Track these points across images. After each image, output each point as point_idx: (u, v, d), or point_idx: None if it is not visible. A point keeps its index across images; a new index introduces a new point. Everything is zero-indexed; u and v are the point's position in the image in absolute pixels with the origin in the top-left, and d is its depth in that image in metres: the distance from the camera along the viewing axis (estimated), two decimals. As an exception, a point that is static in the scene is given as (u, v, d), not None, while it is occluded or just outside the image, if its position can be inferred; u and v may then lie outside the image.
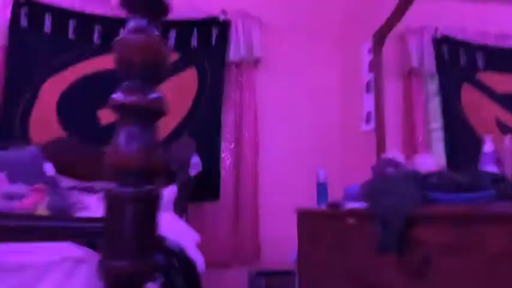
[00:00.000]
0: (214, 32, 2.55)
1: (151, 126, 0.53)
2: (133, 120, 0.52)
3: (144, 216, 0.50)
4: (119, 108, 0.52)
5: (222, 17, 2.55)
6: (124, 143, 0.50)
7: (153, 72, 0.55)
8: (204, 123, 2.45)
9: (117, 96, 0.52)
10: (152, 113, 0.53)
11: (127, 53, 0.55)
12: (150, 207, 0.51)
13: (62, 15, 2.38)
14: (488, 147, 1.28)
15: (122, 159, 0.50)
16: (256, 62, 2.60)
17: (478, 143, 1.48)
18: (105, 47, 2.39)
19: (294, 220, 1.92)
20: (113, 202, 0.50)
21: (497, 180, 1.00)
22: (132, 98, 0.52)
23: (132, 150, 0.50)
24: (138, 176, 0.51)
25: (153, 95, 0.53)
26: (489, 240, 0.72)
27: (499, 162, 1.23)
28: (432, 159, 1.55)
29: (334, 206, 1.36)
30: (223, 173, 2.42)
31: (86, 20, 2.42)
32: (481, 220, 0.75)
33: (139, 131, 0.52)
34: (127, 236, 0.48)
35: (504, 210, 0.75)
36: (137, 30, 0.56)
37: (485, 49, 2.31)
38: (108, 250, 0.48)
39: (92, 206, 1.60)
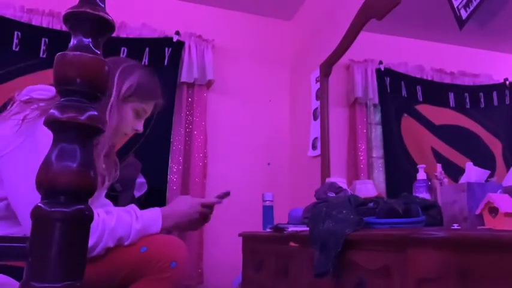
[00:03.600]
0: (167, 52, 2.54)
1: (87, 144, 0.52)
2: (68, 137, 0.51)
3: (74, 237, 0.49)
4: (53, 124, 0.51)
5: (175, 38, 2.56)
6: (56, 160, 0.49)
7: (92, 90, 0.54)
8: (152, 144, 2.41)
9: (52, 111, 0.51)
10: (88, 130, 0.52)
11: (66, 69, 0.54)
12: (80, 228, 0.50)
13: (5, 26, 2.29)
14: (421, 175, 1.35)
15: (52, 176, 0.49)
16: (209, 84, 2.61)
17: (415, 171, 1.57)
18: (51, 61, 2.31)
19: (239, 244, 1.92)
20: (40, 221, 0.48)
21: (428, 206, 1.06)
22: (67, 115, 0.51)
23: (64, 168, 0.49)
24: (70, 194, 0.49)
25: (90, 112, 0.52)
26: (417, 264, 0.75)
27: (430, 189, 1.30)
28: (372, 185, 1.62)
29: (278, 229, 1.37)
30: (169, 194, 2.38)
31: (32, 32, 2.33)
32: (410, 244, 0.79)
33: (74, 148, 0.50)
34: (53, 257, 0.46)
35: (432, 236, 0.79)
36: (78, 47, 0.55)
37: (423, 83, 2.47)
38: (31, 271, 0.46)
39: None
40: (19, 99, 1.03)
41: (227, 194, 1.38)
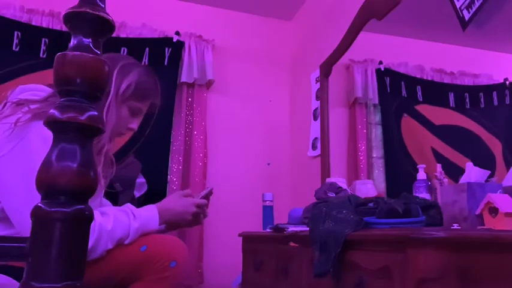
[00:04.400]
0: (167, 52, 2.54)
1: (87, 144, 0.52)
2: (68, 137, 0.51)
3: (74, 237, 0.49)
4: (53, 124, 0.51)
5: (175, 38, 2.56)
6: (56, 160, 0.49)
7: (92, 91, 0.54)
8: (152, 144, 2.41)
9: (52, 111, 0.51)
10: (88, 130, 0.52)
11: (66, 69, 0.54)
12: (80, 228, 0.50)
13: (5, 26, 2.29)
14: (421, 175, 1.35)
15: (52, 177, 0.49)
16: (209, 84, 2.62)
17: (415, 171, 1.57)
18: (51, 61, 2.30)
19: (239, 244, 1.92)
20: (39, 221, 0.48)
21: (428, 206, 1.06)
22: (67, 115, 0.51)
23: (64, 168, 0.49)
24: (70, 194, 0.49)
25: (90, 113, 0.52)
26: (417, 264, 0.75)
27: (430, 189, 1.30)
28: (372, 185, 1.62)
29: (278, 229, 1.37)
30: (169, 194, 2.38)
31: (32, 33, 2.33)
32: (410, 244, 0.79)
33: (74, 148, 0.50)
34: (53, 258, 0.46)
35: (432, 236, 0.79)
36: (79, 47, 0.55)
37: (423, 83, 2.47)
38: (31, 272, 0.46)
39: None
40: (11, 100, 1.01)
41: (211, 193, 1.36)
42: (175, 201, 1.25)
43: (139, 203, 2.11)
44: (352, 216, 0.93)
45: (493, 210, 0.85)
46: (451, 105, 2.50)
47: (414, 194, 1.37)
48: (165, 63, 2.53)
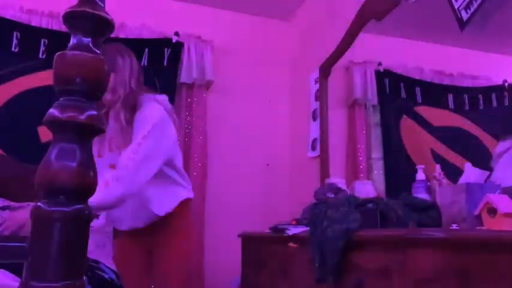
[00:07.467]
0: (166, 53, 2.54)
1: (86, 144, 0.52)
2: (67, 136, 0.51)
3: (73, 237, 0.49)
4: (53, 123, 0.51)
5: (175, 39, 2.56)
6: (55, 160, 0.49)
7: (91, 90, 0.54)
8: (152, 144, 2.40)
9: (52, 111, 0.51)
10: (88, 129, 0.52)
11: (66, 69, 0.54)
12: (80, 227, 0.50)
13: (4, 26, 2.28)
14: (420, 175, 1.35)
15: (52, 176, 0.49)
16: (208, 84, 2.61)
17: (414, 171, 1.57)
18: (50, 62, 2.30)
19: (239, 245, 1.91)
20: (39, 220, 0.48)
21: (427, 207, 1.06)
22: (67, 114, 0.51)
23: (63, 167, 0.49)
24: (69, 194, 0.49)
25: (90, 112, 0.52)
26: (416, 264, 0.75)
27: (429, 190, 1.30)
28: (371, 185, 1.62)
29: (277, 230, 1.37)
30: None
31: (31, 33, 2.33)
32: (410, 245, 0.79)
33: (73, 147, 0.50)
34: (53, 257, 0.46)
35: (431, 236, 0.79)
36: (78, 47, 0.55)
37: (423, 84, 2.48)
38: (31, 271, 0.46)
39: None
40: None
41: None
42: None
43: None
44: (353, 217, 0.93)
45: (492, 211, 0.85)
46: (450, 106, 2.50)
47: (413, 195, 1.37)
48: (165, 63, 2.53)
